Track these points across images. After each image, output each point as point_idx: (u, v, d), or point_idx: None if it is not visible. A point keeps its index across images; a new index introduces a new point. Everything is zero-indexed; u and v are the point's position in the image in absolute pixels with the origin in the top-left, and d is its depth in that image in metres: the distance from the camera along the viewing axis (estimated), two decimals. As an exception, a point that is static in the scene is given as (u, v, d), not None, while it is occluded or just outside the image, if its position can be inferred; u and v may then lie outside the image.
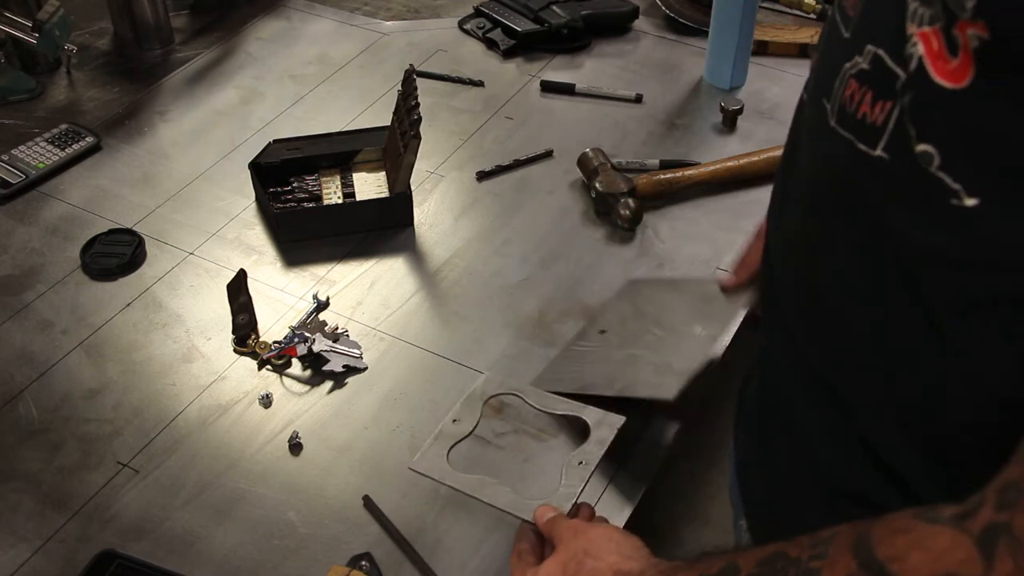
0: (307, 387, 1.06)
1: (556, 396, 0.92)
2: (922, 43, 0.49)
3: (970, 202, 0.48)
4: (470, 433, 0.88)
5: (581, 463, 0.83)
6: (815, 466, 0.66)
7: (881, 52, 0.52)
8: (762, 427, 0.75)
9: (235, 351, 1.10)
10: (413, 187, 1.26)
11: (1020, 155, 0.46)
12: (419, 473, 0.84)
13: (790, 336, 0.67)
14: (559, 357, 1.05)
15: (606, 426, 0.87)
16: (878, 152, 0.53)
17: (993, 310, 0.50)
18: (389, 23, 1.69)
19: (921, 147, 0.50)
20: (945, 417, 0.55)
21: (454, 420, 0.89)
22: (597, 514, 0.81)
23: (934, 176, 0.49)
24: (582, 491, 0.81)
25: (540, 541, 0.76)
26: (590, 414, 0.89)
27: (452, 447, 0.86)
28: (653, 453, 0.99)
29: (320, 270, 1.21)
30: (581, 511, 0.79)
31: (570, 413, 0.91)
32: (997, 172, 0.47)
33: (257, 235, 1.26)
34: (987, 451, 0.48)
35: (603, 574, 0.65)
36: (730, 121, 1.42)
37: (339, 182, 1.30)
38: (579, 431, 0.90)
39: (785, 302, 0.67)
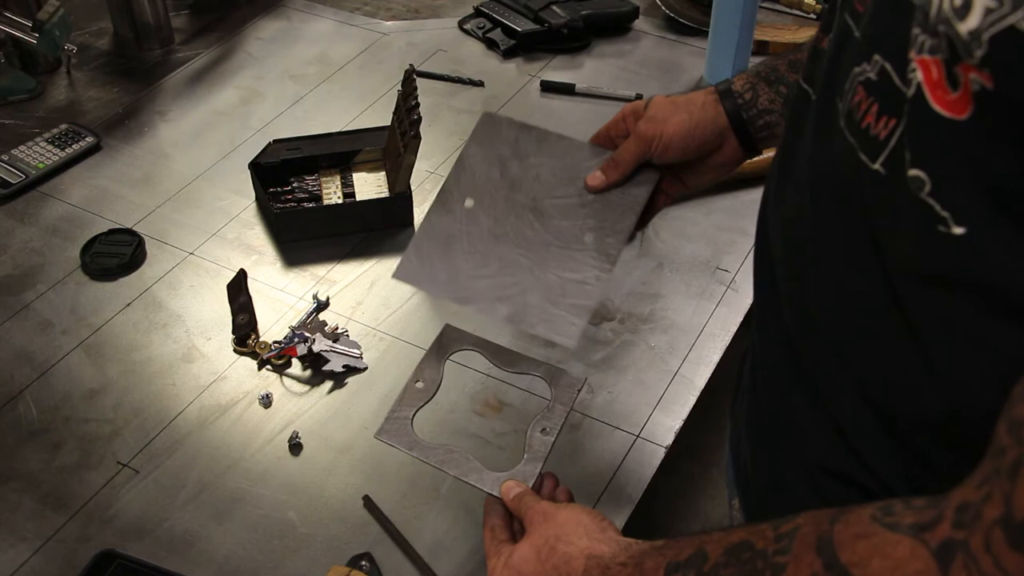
0: (307, 387, 1.06)
1: (515, 352, 0.91)
2: (921, 70, 0.48)
3: (958, 230, 0.48)
4: (434, 394, 0.87)
5: (544, 430, 0.83)
6: (800, 449, 0.67)
7: (888, 67, 0.52)
8: (753, 412, 0.76)
9: (235, 351, 1.10)
10: (413, 187, 1.26)
11: (1014, 188, 0.46)
12: (385, 443, 0.83)
13: (783, 323, 0.67)
14: (423, 232, 0.89)
15: (566, 387, 0.87)
16: (876, 166, 0.53)
17: (970, 327, 0.51)
18: (389, 23, 1.69)
19: (913, 172, 0.50)
20: (917, 420, 0.56)
21: (416, 382, 0.87)
22: (562, 484, 0.81)
23: (923, 201, 0.50)
24: (545, 461, 0.81)
25: (509, 515, 0.77)
26: (549, 373, 0.88)
27: (416, 411, 0.85)
28: (653, 453, 1.00)
29: (320, 270, 1.21)
30: (546, 483, 0.80)
31: (530, 372, 0.90)
32: (988, 204, 0.47)
33: (257, 235, 1.26)
34: (953, 452, 0.49)
35: (576, 558, 0.67)
36: (730, 121, 1.42)
37: (339, 182, 1.30)
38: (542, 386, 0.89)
39: (781, 289, 0.68)
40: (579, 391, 0.88)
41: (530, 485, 0.78)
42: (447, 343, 0.91)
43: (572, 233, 0.88)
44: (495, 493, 0.78)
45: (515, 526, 0.77)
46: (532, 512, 0.73)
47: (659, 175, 0.89)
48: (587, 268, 0.86)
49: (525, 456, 0.81)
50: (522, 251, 0.87)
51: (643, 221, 0.90)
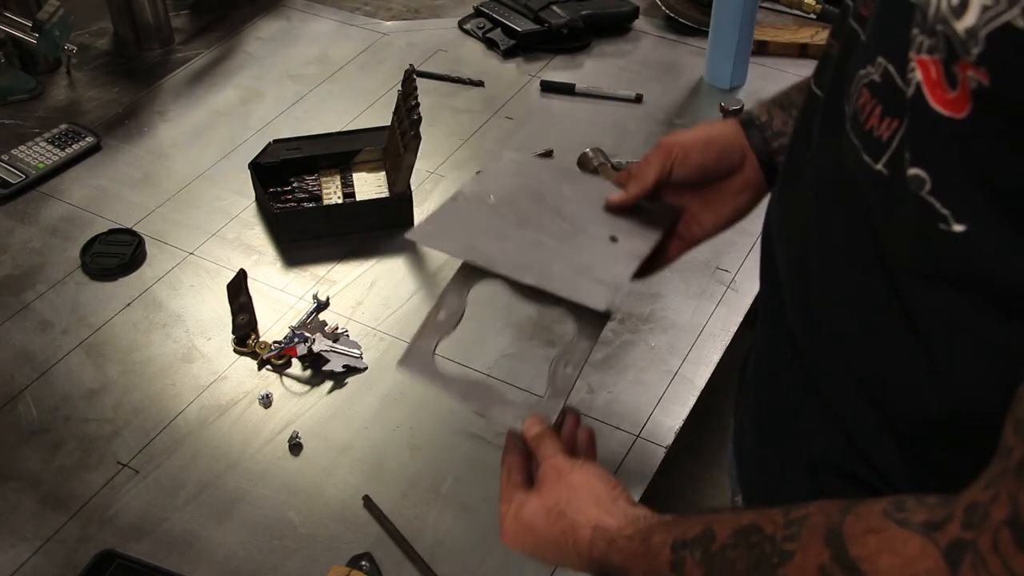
0: (307, 387, 1.06)
1: (535, 288, 0.83)
2: (920, 70, 0.49)
3: (958, 228, 0.49)
4: (456, 325, 0.83)
5: (567, 365, 0.80)
6: (802, 447, 0.67)
7: (891, 69, 0.52)
8: (756, 410, 0.76)
9: (235, 351, 1.10)
10: (413, 187, 1.26)
11: (1013, 186, 0.47)
12: (408, 372, 0.80)
13: (786, 322, 0.68)
14: (445, 207, 0.87)
15: (589, 324, 0.82)
16: (879, 167, 0.53)
17: (970, 325, 0.51)
18: (389, 23, 1.69)
19: (913, 171, 0.50)
20: (918, 419, 0.57)
21: (439, 312, 0.83)
22: (583, 423, 0.78)
23: (924, 200, 0.50)
24: (568, 396, 0.78)
25: (528, 454, 0.75)
26: (572, 306, 0.83)
27: (439, 342, 0.82)
28: (653, 453, 0.99)
29: (320, 270, 1.21)
30: (568, 419, 0.78)
31: (552, 305, 0.83)
32: (988, 202, 0.47)
33: (257, 235, 1.26)
34: (954, 450, 0.49)
35: (583, 527, 0.67)
36: (730, 121, 1.42)
37: (339, 182, 1.30)
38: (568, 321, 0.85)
39: (785, 288, 0.68)
40: (605, 323, 0.83)
41: (552, 421, 0.76)
42: (470, 273, 0.85)
43: (598, 233, 0.86)
44: (517, 427, 0.76)
45: (533, 466, 0.74)
46: (547, 465, 0.72)
47: (678, 213, 0.87)
48: (612, 253, 0.84)
49: (548, 391, 0.78)
50: (547, 236, 0.85)
51: (653, 267, 0.88)
